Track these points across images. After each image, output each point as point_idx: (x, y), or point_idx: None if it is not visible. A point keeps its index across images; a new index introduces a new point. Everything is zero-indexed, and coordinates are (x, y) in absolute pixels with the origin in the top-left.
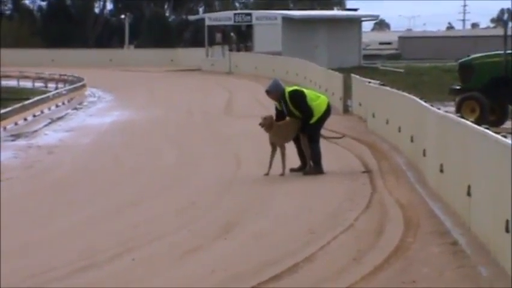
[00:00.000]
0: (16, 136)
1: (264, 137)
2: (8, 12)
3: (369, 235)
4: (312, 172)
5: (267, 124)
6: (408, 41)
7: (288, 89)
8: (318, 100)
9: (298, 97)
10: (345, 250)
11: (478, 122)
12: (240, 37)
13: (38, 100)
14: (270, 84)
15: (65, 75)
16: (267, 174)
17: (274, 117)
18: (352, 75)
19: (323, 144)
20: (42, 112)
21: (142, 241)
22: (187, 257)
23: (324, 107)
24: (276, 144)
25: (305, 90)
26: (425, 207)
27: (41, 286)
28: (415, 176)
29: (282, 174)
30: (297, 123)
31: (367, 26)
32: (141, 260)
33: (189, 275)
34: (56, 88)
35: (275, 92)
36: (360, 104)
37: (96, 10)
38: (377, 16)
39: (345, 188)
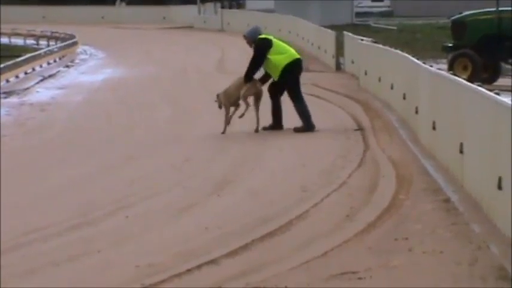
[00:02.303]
0: (8, 93)
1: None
2: None
3: (361, 192)
4: (301, 129)
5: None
6: None
7: (260, 36)
8: (281, 55)
9: (259, 45)
10: (338, 207)
11: (470, 79)
12: None
13: (29, 57)
14: (248, 30)
15: (57, 32)
16: (223, 132)
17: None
18: (345, 32)
19: (315, 101)
20: (33, 69)
21: (137, 198)
22: (181, 214)
23: (284, 62)
24: (220, 104)
25: (275, 42)
26: (418, 164)
27: (36, 242)
28: (407, 134)
29: (223, 133)
30: (238, 81)
31: None
32: (136, 217)
33: (183, 232)
34: (48, 45)
35: (249, 37)
36: (353, 62)
37: None
38: None
39: (337, 145)
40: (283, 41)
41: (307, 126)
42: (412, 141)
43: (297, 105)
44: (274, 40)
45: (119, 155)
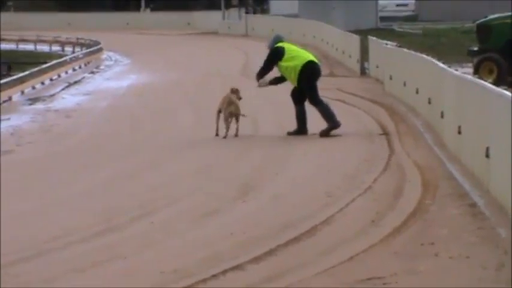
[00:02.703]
0: (34, 100)
1: (282, 99)
2: None
3: (387, 197)
4: (326, 130)
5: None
6: (425, 2)
7: (276, 44)
8: (293, 60)
9: (270, 53)
10: (363, 212)
11: (496, 83)
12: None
13: (55, 64)
14: (269, 40)
15: (82, 38)
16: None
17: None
18: (369, 37)
19: (340, 106)
20: (59, 76)
21: (161, 204)
22: (205, 219)
23: (298, 67)
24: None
25: (287, 49)
26: (444, 169)
27: (60, 249)
28: (433, 138)
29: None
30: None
31: None
32: (160, 223)
33: (207, 237)
34: (73, 52)
35: (269, 47)
36: (377, 66)
37: None
38: None
39: (362, 150)
40: (300, 46)
41: (333, 124)
42: (438, 146)
43: (318, 107)
44: (287, 46)
45: (143, 160)
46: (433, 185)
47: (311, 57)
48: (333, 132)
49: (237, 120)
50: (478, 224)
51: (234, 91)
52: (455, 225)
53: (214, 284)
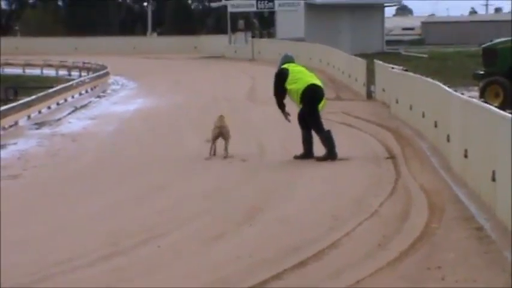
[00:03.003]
0: (40, 124)
1: (288, 123)
2: (31, 0)
3: (393, 221)
4: (322, 158)
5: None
6: (431, 26)
7: (282, 66)
8: (295, 84)
9: (275, 76)
10: (370, 236)
11: (502, 106)
12: (263, 23)
13: (61, 88)
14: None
15: (89, 63)
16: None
17: None
18: (375, 60)
19: (346, 129)
20: (65, 100)
21: (168, 227)
22: (212, 243)
23: (300, 91)
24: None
25: (291, 71)
26: (450, 192)
27: (66, 273)
28: (439, 162)
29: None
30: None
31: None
32: (167, 246)
33: (214, 261)
34: (80, 76)
35: (277, 67)
36: (384, 90)
37: None
38: (399, 1)
39: (369, 173)
40: (305, 68)
41: (329, 153)
42: (444, 169)
43: (318, 134)
44: (292, 68)
45: (150, 183)
46: (439, 208)
47: (313, 81)
48: (340, 156)
49: (225, 139)
50: (484, 247)
51: (221, 117)
52: (461, 249)
53: None
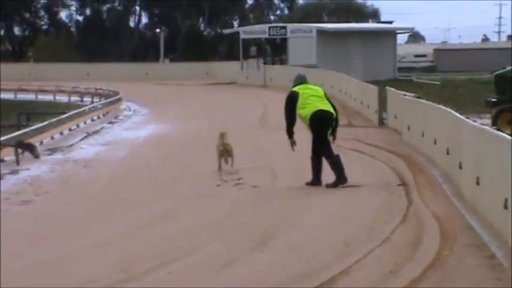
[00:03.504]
0: (52, 150)
1: (299, 148)
2: (44, 26)
3: (405, 248)
4: (332, 184)
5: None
6: (443, 53)
7: (293, 88)
8: (304, 109)
9: (286, 100)
10: (382, 263)
11: None
12: (275, 50)
13: (73, 114)
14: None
15: (101, 89)
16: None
17: None
18: (387, 87)
19: (358, 156)
20: (78, 126)
21: (179, 253)
22: (223, 269)
23: (308, 116)
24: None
25: (301, 95)
26: (462, 220)
27: None
28: (451, 189)
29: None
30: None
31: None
32: (178, 273)
33: (225, 287)
34: (92, 102)
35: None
36: (395, 117)
37: (132, 24)
38: (412, 28)
39: (381, 200)
40: (320, 87)
41: (338, 179)
42: (456, 197)
43: (327, 160)
44: (303, 92)
45: (161, 210)
46: (451, 236)
47: (321, 106)
48: (351, 182)
49: (230, 156)
50: (496, 275)
51: (223, 134)
52: (473, 277)
53: None
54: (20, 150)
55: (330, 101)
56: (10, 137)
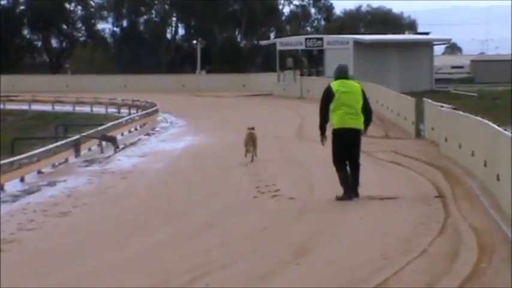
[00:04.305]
0: (90, 162)
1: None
2: (81, 38)
3: (443, 260)
4: (339, 197)
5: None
6: (481, 64)
7: (332, 82)
8: (334, 115)
9: (322, 94)
10: (419, 276)
11: None
12: (311, 62)
13: (111, 126)
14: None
15: (138, 100)
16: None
17: None
18: (424, 99)
19: (395, 168)
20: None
21: (216, 266)
22: (260, 282)
23: (333, 126)
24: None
25: (337, 97)
26: (500, 232)
27: None
28: (489, 201)
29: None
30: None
31: (438, 49)
32: (215, 285)
33: None
34: (129, 114)
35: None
36: (433, 128)
37: (168, 36)
38: (449, 40)
39: (418, 212)
40: (358, 84)
41: (344, 195)
42: (494, 209)
43: (336, 172)
44: (339, 93)
45: (198, 222)
46: (489, 248)
47: (347, 122)
48: (388, 195)
49: (254, 146)
50: None
51: (251, 128)
52: None
53: None
54: (103, 142)
55: (365, 102)
56: (96, 130)
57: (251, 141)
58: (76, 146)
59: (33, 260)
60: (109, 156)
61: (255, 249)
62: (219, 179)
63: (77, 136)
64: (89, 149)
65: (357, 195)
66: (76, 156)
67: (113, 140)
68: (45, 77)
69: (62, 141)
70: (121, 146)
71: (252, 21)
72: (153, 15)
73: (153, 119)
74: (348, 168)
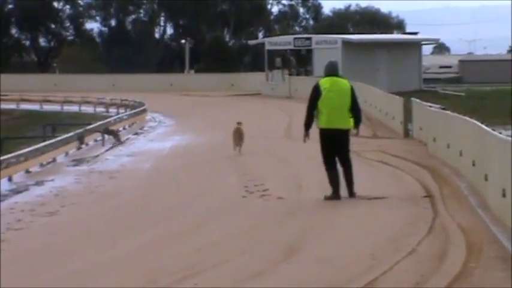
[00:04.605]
0: (78, 161)
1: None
2: (70, 37)
3: (431, 260)
4: (327, 197)
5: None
6: (469, 64)
7: (321, 79)
8: (321, 114)
9: (311, 91)
10: (408, 275)
11: None
12: (300, 61)
13: (99, 125)
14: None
15: (126, 100)
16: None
17: None
18: (413, 99)
19: (383, 167)
20: (103, 137)
21: (206, 265)
22: (250, 281)
23: (319, 125)
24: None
25: (324, 95)
26: (488, 232)
27: None
28: (477, 201)
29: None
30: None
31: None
32: (204, 285)
33: None
34: (117, 113)
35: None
36: (421, 128)
37: (157, 35)
38: (437, 40)
39: (406, 212)
40: (347, 81)
41: (332, 194)
42: (482, 209)
43: (325, 171)
44: (326, 91)
45: (187, 221)
46: (477, 248)
47: (334, 123)
48: (377, 194)
49: (241, 140)
50: None
51: (239, 123)
52: None
53: None
54: (105, 136)
55: (353, 102)
56: (98, 124)
57: (238, 135)
58: (80, 139)
59: (22, 260)
60: (97, 156)
61: (244, 248)
62: (208, 178)
63: (81, 130)
64: (77, 149)
65: (352, 194)
66: (79, 149)
67: (114, 134)
68: (34, 76)
69: (51, 141)
70: (109, 145)
71: (240, 20)
72: (142, 15)
73: (141, 118)
74: (337, 167)
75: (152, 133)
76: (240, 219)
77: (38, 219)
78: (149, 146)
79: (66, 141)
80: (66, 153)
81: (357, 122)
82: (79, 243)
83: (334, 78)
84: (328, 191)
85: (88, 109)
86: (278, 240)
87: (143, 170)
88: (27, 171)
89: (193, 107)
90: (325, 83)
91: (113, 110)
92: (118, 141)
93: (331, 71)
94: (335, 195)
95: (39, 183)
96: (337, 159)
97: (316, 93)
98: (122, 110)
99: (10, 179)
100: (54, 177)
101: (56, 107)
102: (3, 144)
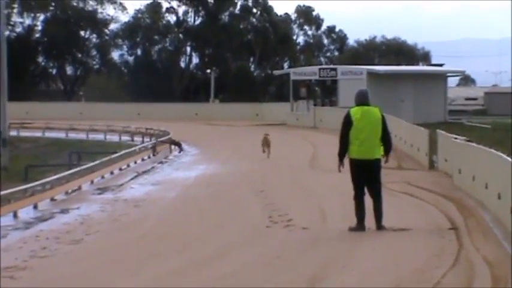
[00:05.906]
0: (103, 189)
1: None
2: (96, 66)
3: None
4: (352, 228)
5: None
6: (494, 96)
7: (352, 108)
8: (352, 144)
9: (342, 120)
10: None
11: None
12: (325, 92)
13: (124, 154)
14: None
15: (151, 129)
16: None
17: None
18: (438, 130)
19: (408, 199)
20: (128, 166)
21: None
22: None
23: (350, 155)
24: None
25: (355, 126)
26: None
27: None
28: (502, 233)
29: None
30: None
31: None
32: None
33: None
34: (142, 142)
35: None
36: (446, 160)
37: (182, 64)
38: (463, 72)
39: (431, 244)
40: (378, 111)
41: (356, 226)
42: (507, 241)
43: (353, 200)
44: (357, 121)
45: (211, 250)
46: (503, 280)
47: (363, 153)
48: (402, 226)
49: (269, 147)
50: None
51: (267, 134)
52: None
53: None
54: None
55: (384, 131)
56: (166, 138)
57: (266, 143)
58: (153, 148)
59: None
60: (122, 184)
61: (268, 278)
62: (232, 208)
63: (154, 141)
64: (102, 177)
65: (381, 227)
66: (153, 156)
67: (178, 144)
68: (59, 104)
69: (76, 169)
70: (134, 174)
71: (265, 50)
72: (167, 44)
73: (166, 147)
74: (364, 198)
75: (177, 162)
76: (264, 249)
77: (63, 247)
78: (174, 175)
79: (91, 169)
80: (92, 182)
81: (387, 150)
82: (103, 271)
83: (366, 108)
84: (353, 221)
85: (113, 138)
86: (301, 270)
87: (168, 199)
88: (53, 199)
89: (218, 137)
90: (356, 112)
91: (138, 139)
92: (181, 151)
93: (362, 99)
94: (360, 227)
95: (64, 211)
96: (366, 191)
97: (347, 122)
98: (147, 139)
99: (35, 207)
100: (79, 205)
101: (81, 135)
102: (29, 172)
